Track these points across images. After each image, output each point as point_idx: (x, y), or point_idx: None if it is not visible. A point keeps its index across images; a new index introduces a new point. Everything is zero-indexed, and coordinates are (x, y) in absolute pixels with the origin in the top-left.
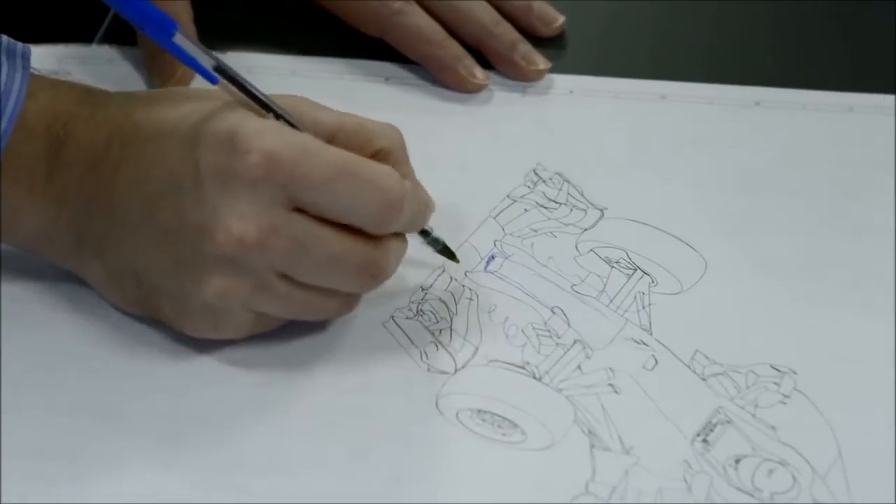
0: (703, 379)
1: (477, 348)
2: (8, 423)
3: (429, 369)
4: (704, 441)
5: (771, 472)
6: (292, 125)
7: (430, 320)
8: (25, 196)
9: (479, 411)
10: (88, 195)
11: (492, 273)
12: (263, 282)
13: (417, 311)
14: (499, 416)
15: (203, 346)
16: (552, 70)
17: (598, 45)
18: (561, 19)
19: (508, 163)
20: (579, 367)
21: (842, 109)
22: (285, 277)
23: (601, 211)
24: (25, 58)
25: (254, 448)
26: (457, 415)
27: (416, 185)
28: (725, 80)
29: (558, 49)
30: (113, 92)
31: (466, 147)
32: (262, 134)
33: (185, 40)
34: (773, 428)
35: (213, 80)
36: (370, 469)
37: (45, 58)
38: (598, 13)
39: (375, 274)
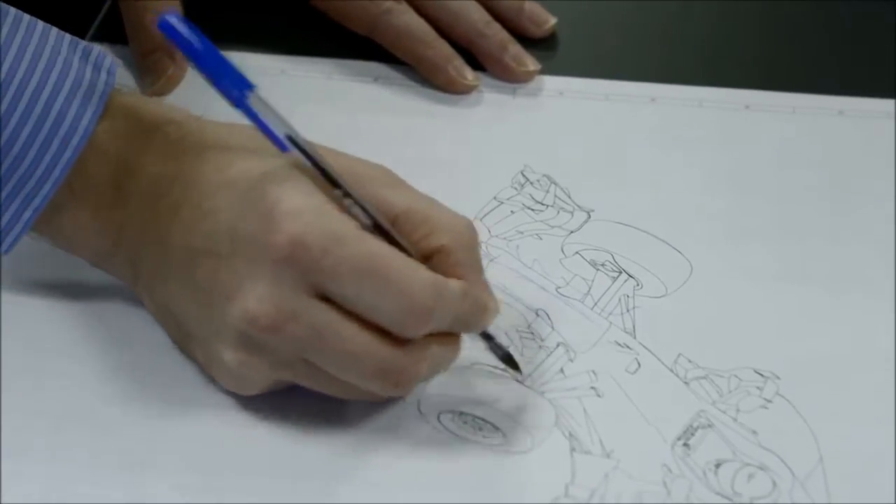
0: (686, 383)
1: None
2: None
3: None
4: (685, 445)
5: (751, 476)
6: (359, 204)
7: None
8: (90, 216)
9: (461, 414)
10: (146, 229)
11: None
12: (283, 361)
13: None
14: (480, 418)
15: None
16: (543, 71)
17: (589, 47)
18: (552, 21)
19: (496, 164)
20: (562, 370)
21: (832, 113)
22: (306, 360)
23: (588, 213)
24: (111, 73)
25: (233, 452)
26: (438, 417)
27: (478, 287)
28: (715, 83)
29: (549, 50)
30: (192, 121)
31: (455, 148)
32: (299, 214)
33: (260, 103)
34: (754, 432)
35: (283, 149)
36: (350, 472)
37: None
38: (589, 15)
39: (398, 381)
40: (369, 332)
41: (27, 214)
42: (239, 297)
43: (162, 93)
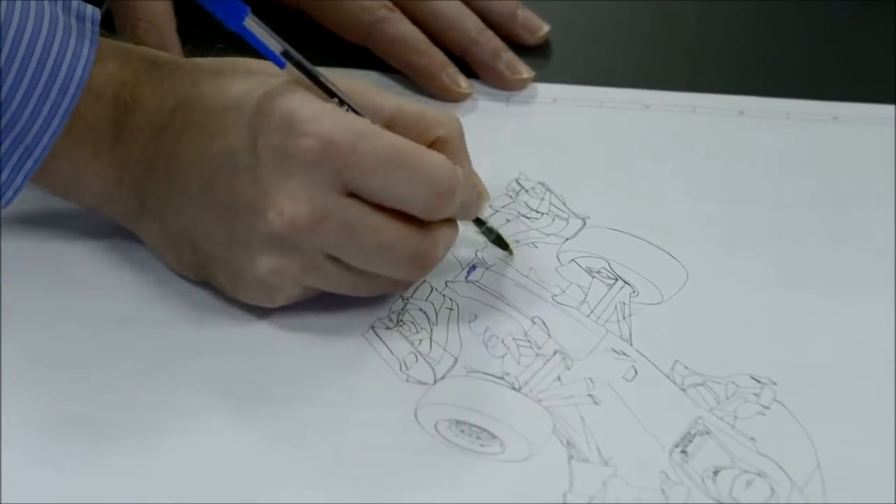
0: (683, 389)
1: (456, 359)
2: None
3: (408, 380)
4: (683, 452)
5: (749, 483)
6: (354, 110)
7: (409, 330)
8: (89, 158)
9: (458, 422)
10: (151, 161)
11: (473, 283)
12: (313, 262)
13: (397, 321)
14: (477, 427)
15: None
16: (536, 79)
17: (583, 55)
18: (546, 28)
19: (491, 172)
20: (559, 377)
21: (827, 119)
22: (335, 259)
23: (583, 220)
24: (94, 21)
25: (232, 460)
26: (435, 426)
27: (471, 175)
28: (709, 90)
29: (543, 58)
30: (180, 59)
31: None
32: (320, 118)
33: (256, 25)
34: (752, 439)
35: (281, 65)
36: (349, 480)
37: None
38: (583, 22)
39: (424, 264)
40: (398, 221)
41: (28, 165)
42: (271, 203)
43: None
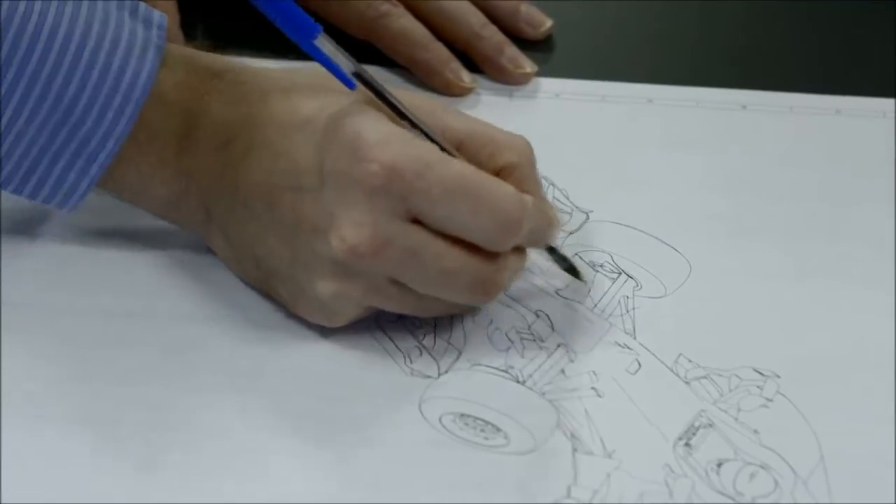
0: (687, 382)
1: (461, 352)
2: None
3: (412, 373)
4: (687, 445)
5: (753, 475)
6: (424, 132)
7: (414, 324)
8: (155, 167)
9: (462, 415)
10: (217, 174)
11: None
12: (375, 286)
13: (401, 315)
14: (482, 420)
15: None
16: (539, 73)
17: (586, 49)
18: (549, 23)
19: None
20: (563, 370)
21: (829, 112)
22: (398, 283)
23: (586, 214)
24: (161, 27)
25: (237, 454)
26: (440, 419)
27: (542, 202)
28: (712, 84)
29: (545, 52)
30: (251, 68)
31: None
32: (386, 143)
33: (327, 44)
34: (755, 431)
35: (350, 86)
36: (353, 474)
37: None
38: (585, 16)
39: (488, 291)
40: (462, 248)
41: (93, 170)
42: (334, 227)
43: None
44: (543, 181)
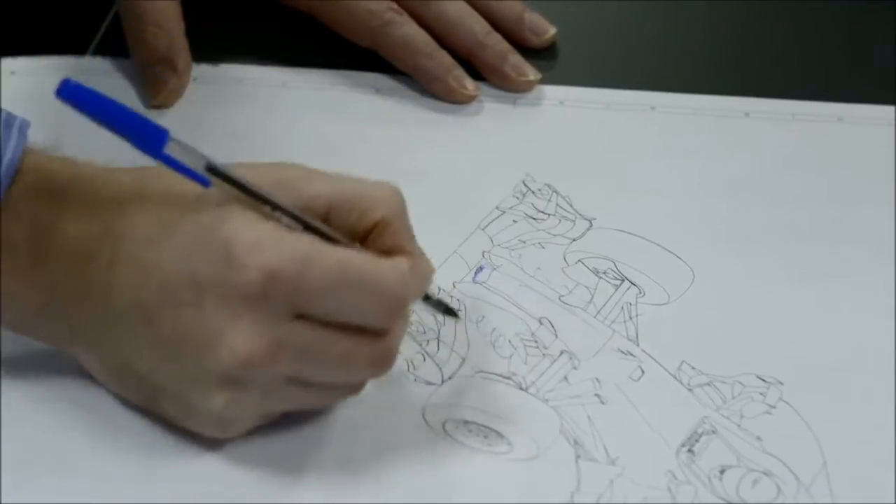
0: (690, 389)
1: (464, 359)
2: None
3: (415, 380)
4: (690, 451)
5: (756, 482)
6: (290, 214)
7: (417, 331)
8: (10, 280)
9: (466, 422)
10: (80, 293)
11: (480, 284)
12: (272, 389)
13: None
14: (485, 426)
15: None
16: (543, 81)
17: (589, 57)
18: (552, 31)
19: (498, 174)
20: (566, 377)
21: (831, 120)
22: (293, 380)
23: (589, 221)
24: (22, 131)
25: (240, 461)
26: (443, 425)
27: (417, 259)
28: (715, 91)
29: (549, 60)
30: (102, 173)
31: (456, 158)
32: (260, 247)
33: (177, 148)
34: (758, 438)
35: (205, 184)
36: (356, 480)
37: (38, 69)
38: (589, 24)
39: (385, 363)
40: (350, 332)
41: None
42: (222, 341)
43: (164, 105)
44: (547, 188)
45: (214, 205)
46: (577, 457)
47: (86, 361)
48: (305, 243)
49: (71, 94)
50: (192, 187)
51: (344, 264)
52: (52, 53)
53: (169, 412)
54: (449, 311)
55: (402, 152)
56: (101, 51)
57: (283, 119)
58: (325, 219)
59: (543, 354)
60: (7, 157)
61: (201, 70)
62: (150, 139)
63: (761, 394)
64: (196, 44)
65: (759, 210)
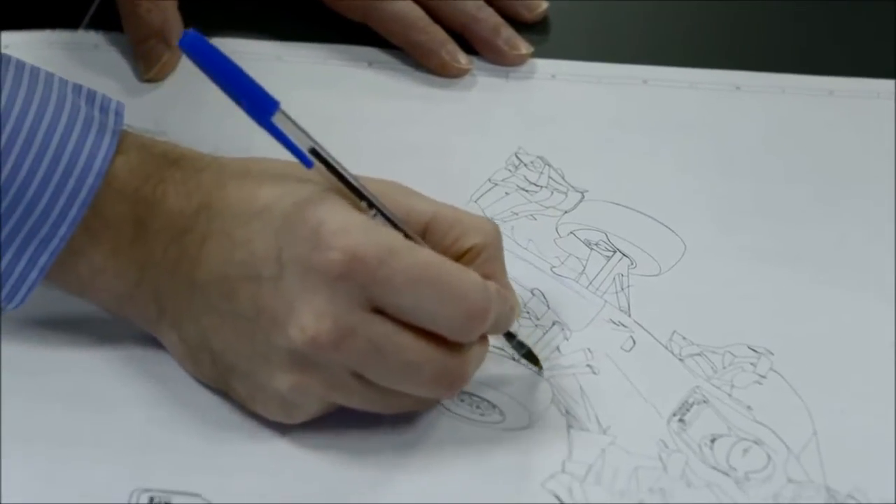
0: (681, 359)
1: None
2: None
3: None
4: (681, 421)
5: (746, 451)
6: (384, 215)
7: None
8: (108, 257)
9: (459, 392)
10: (172, 266)
11: None
12: (337, 379)
13: None
14: (478, 396)
15: None
16: (535, 55)
17: (581, 30)
18: (544, 5)
19: (490, 147)
20: (558, 348)
21: (822, 93)
22: (360, 376)
23: (581, 194)
24: (118, 114)
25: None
26: None
27: (505, 287)
28: (706, 65)
29: (541, 34)
30: (207, 156)
31: (449, 131)
32: (347, 231)
33: (285, 121)
34: (748, 408)
35: (308, 164)
36: (349, 449)
37: (31, 43)
38: None
39: (453, 384)
40: (426, 340)
41: (44, 259)
42: (293, 317)
43: (157, 78)
44: (539, 161)
45: (312, 190)
46: (569, 426)
47: (168, 342)
48: (395, 237)
49: (191, 45)
50: (293, 171)
51: (429, 264)
52: (45, 27)
53: (239, 393)
54: (531, 358)
55: (396, 126)
56: (95, 25)
57: (276, 93)
58: (421, 237)
59: (535, 325)
60: (105, 143)
61: None
62: (260, 105)
63: (752, 364)
64: (189, 18)
65: (750, 182)
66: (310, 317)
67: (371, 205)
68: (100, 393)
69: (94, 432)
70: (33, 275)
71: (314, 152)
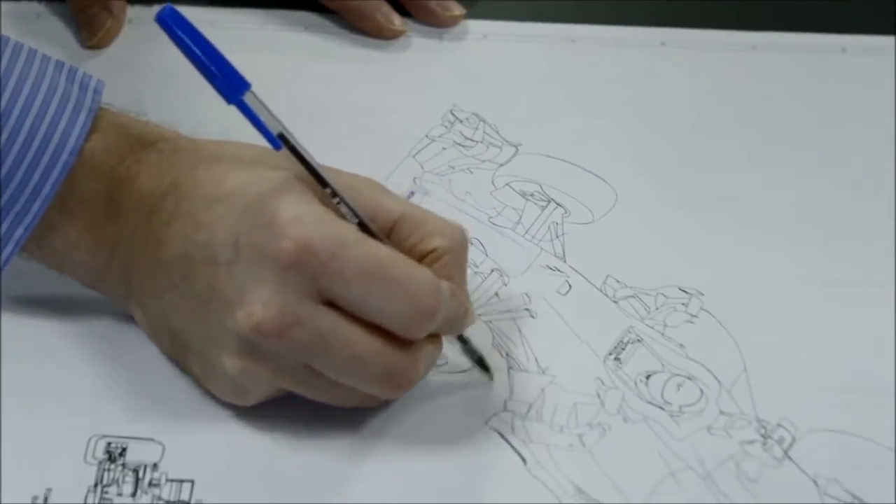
0: (615, 301)
1: None
2: None
3: None
4: (616, 359)
5: (680, 385)
6: (347, 205)
7: None
8: (82, 233)
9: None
10: (139, 244)
11: None
12: (285, 368)
13: None
14: None
15: None
16: (467, 16)
17: None
18: None
19: (426, 105)
20: (497, 293)
21: (745, 48)
22: (309, 367)
23: (515, 147)
24: (97, 92)
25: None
26: None
27: (461, 291)
28: (633, 23)
29: None
30: (185, 138)
31: (385, 91)
32: (301, 221)
33: (255, 101)
34: (681, 345)
35: (276, 146)
36: (300, 403)
37: None
38: None
39: (400, 383)
40: (374, 335)
41: (18, 232)
42: (242, 303)
43: (100, 45)
44: (474, 117)
45: (279, 178)
46: (510, 368)
47: (137, 318)
48: (348, 229)
49: (169, 21)
50: (267, 158)
51: (380, 258)
52: None
53: (195, 371)
54: (482, 365)
55: (334, 87)
56: None
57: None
58: (387, 235)
59: (475, 272)
60: (80, 120)
61: (136, 11)
62: (232, 84)
63: (683, 304)
64: None
65: (676, 134)
66: (257, 304)
67: (334, 194)
68: (61, 350)
69: (54, 384)
70: (9, 247)
71: (282, 138)
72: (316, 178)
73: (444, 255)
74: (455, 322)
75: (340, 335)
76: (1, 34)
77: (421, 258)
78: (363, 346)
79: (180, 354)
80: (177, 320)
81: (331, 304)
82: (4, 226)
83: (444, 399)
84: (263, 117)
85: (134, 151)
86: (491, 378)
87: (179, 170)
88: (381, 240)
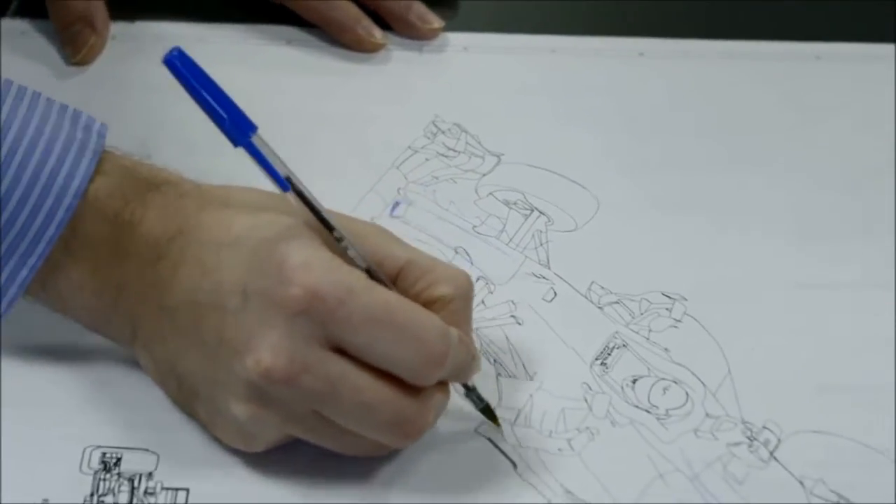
0: (600, 308)
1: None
2: None
3: None
4: (603, 364)
5: (666, 389)
6: (356, 253)
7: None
8: (87, 276)
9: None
10: (146, 289)
11: (397, 218)
12: (294, 415)
13: None
14: None
15: None
16: (447, 28)
17: (491, 4)
18: None
19: (408, 117)
20: (483, 301)
21: (721, 55)
22: (318, 414)
23: (498, 157)
24: (101, 135)
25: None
26: None
27: (467, 339)
28: (611, 33)
29: (452, 9)
30: (190, 183)
31: (367, 103)
32: (309, 267)
33: (262, 144)
34: (666, 350)
35: (284, 187)
36: None
37: None
38: None
39: (409, 432)
40: (384, 382)
41: (23, 274)
42: (251, 349)
43: (84, 62)
44: (456, 128)
45: (286, 224)
46: (498, 374)
47: (142, 363)
48: (357, 276)
49: (178, 63)
50: (274, 203)
51: (389, 304)
52: None
53: (202, 417)
54: (487, 412)
55: (316, 100)
56: (22, 13)
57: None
58: (393, 281)
59: None
60: (85, 163)
61: (119, 28)
62: (239, 127)
63: (667, 309)
64: (114, 3)
65: (654, 140)
66: (266, 350)
67: (339, 238)
68: (56, 361)
69: (50, 395)
70: (13, 290)
71: (289, 181)
72: (322, 223)
73: (451, 302)
74: (463, 369)
75: (349, 382)
76: (4, 78)
77: (427, 305)
78: (372, 394)
79: (187, 400)
80: (183, 366)
81: (340, 350)
82: (9, 268)
83: None
84: (271, 159)
85: (139, 195)
86: (499, 426)
87: (185, 215)
88: (388, 286)
